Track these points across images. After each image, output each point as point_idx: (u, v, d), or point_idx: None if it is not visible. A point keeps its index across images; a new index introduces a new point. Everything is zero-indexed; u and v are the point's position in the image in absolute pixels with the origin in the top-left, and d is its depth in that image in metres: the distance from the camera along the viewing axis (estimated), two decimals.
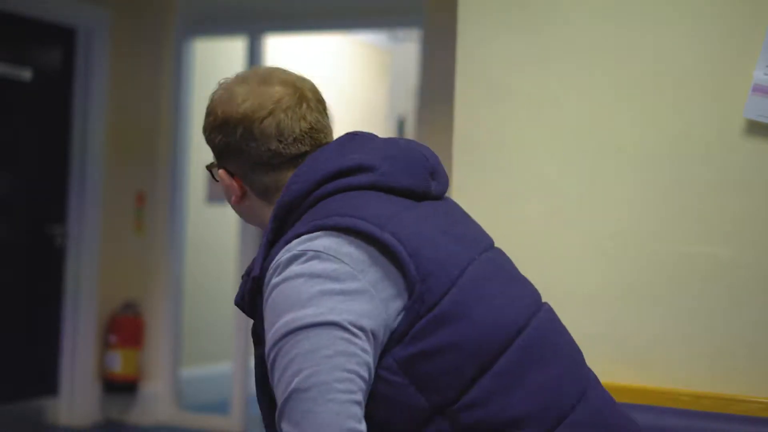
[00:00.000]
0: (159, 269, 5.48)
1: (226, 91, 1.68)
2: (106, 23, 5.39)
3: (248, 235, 5.36)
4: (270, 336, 1.50)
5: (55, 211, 5.32)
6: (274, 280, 1.52)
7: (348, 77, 7.64)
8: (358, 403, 1.46)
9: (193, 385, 5.91)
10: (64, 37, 5.34)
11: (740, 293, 1.94)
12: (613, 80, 2.04)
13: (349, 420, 1.44)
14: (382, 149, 1.66)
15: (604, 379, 2.02)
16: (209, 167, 1.75)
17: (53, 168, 5.31)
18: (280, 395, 1.47)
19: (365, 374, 1.47)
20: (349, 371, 1.46)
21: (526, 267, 2.11)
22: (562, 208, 2.07)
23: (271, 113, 1.64)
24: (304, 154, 1.66)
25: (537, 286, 2.10)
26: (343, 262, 1.51)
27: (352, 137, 1.69)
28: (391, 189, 1.63)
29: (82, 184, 5.29)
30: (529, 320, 1.61)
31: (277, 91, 1.67)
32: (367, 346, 1.48)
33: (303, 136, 1.66)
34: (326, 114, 1.74)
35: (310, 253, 1.51)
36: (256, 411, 6.29)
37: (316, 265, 1.50)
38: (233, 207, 1.75)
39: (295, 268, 1.51)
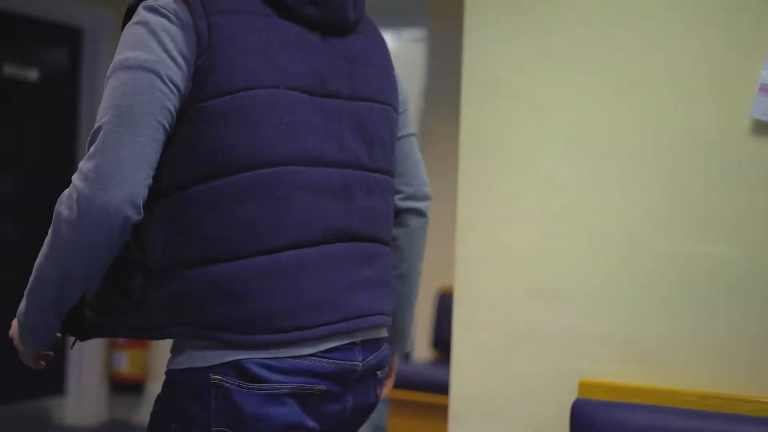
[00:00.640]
0: None
1: None
2: (113, 23, 5.40)
3: None
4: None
5: None
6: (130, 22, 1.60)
7: None
8: (156, 151, 1.53)
9: None
10: (70, 37, 5.36)
11: (745, 293, 1.94)
12: (618, 81, 2.04)
13: (144, 165, 1.51)
14: None
15: (609, 378, 2.02)
16: None
17: (59, 168, 5.33)
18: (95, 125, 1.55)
19: (165, 131, 1.55)
20: (158, 122, 1.53)
21: (530, 266, 2.11)
22: (567, 207, 2.07)
23: None
24: None
25: (541, 286, 2.11)
26: (174, 20, 1.56)
27: None
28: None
29: None
30: (289, 165, 1.59)
31: None
32: (176, 105, 1.55)
33: None
34: None
35: (153, 4, 1.57)
36: None
37: (152, 18, 1.56)
38: None
39: (142, 13, 1.57)
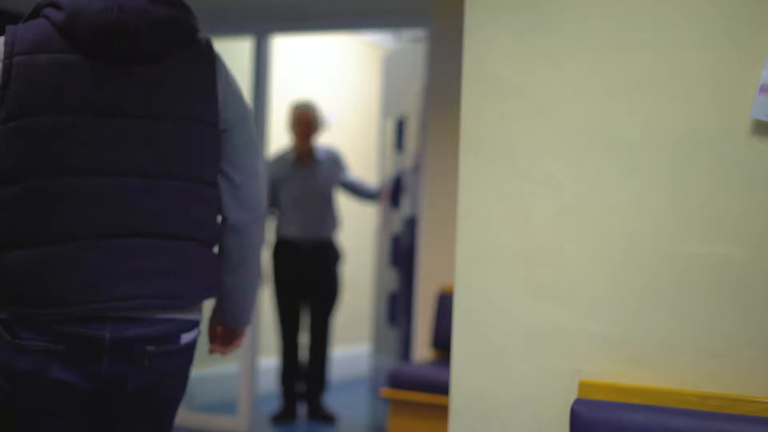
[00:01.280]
0: None
1: None
2: None
3: None
4: None
5: None
6: None
7: (353, 77, 7.65)
8: None
9: (200, 385, 5.91)
10: None
11: (747, 293, 1.94)
12: (620, 80, 2.04)
13: None
14: None
15: (610, 379, 2.02)
16: None
17: None
18: None
19: None
20: None
21: (530, 266, 2.11)
22: (569, 207, 2.07)
23: None
24: None
25: (541, 286, 2.11)
26: None
27: None
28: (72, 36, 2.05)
29: None
30: (63, 176, 2.02)
31: None
32: None
33: None
34: None
35: None
36: (262, 411, 6.32)
37: None
38: None
39: None
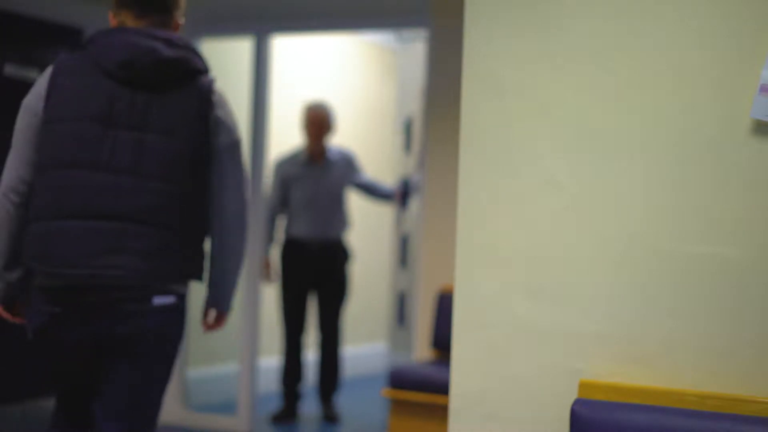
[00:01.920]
0: None
1: None
2: None
3: (256, 241, 5.37)
4: None
5: None
6: None
7: (355, 78, 7.65)
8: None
9: (200, 385, 5.92)
10: (71, 37, 5.36)
11: (747, 293, 1.94)
12: (620, 80, 2.04)
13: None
14: (109, 37, 2.77)
15: (610, 379, 2.02)
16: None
17: None
18: None
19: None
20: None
21: (530, 266, 2.11)
22: (569, 207, 2.07)
23: None
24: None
25: (541, 286, 2.11)
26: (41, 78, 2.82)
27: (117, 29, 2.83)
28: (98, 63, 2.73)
29: None
30: (70, 168, 2.69)
31: None
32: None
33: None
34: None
35: None
36: (262, 411, 6.30)
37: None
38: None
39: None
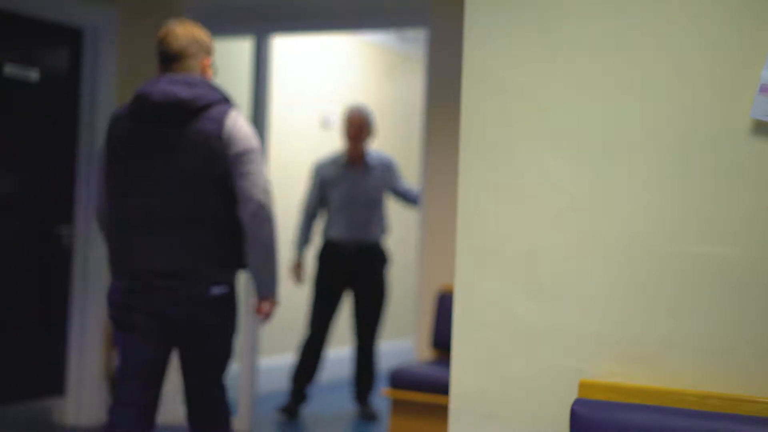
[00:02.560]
0: None
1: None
2: (113, 23, 5.41)
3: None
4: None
5: (63, 211, 5.33)
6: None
7: (355, 77, 7.64)
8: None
9: None
10: (71, 37, 5.36)
11: (747, 293, 1.94)
12: (620, 79, 2.04)
13: None
14: (151, 85, 3.48)
15: (611, 379, 2.02)
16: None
17: (61, 168, 5.33)
18: None
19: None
20: None
21: (530, 266, 2.11)
22: (570, 207, 2.07)
23: None
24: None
25: (541, 286, 2.11)
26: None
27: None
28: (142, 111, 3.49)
29: (89, 184, 5.30)
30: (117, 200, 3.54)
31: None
32: None
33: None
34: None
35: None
36: (263, 411, 6.30)
37: None
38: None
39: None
